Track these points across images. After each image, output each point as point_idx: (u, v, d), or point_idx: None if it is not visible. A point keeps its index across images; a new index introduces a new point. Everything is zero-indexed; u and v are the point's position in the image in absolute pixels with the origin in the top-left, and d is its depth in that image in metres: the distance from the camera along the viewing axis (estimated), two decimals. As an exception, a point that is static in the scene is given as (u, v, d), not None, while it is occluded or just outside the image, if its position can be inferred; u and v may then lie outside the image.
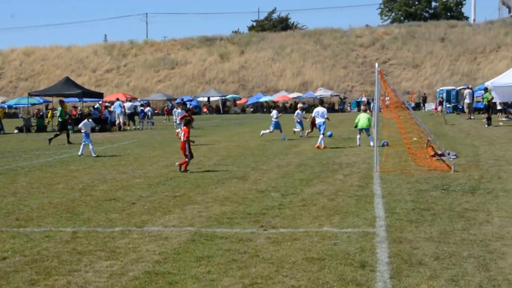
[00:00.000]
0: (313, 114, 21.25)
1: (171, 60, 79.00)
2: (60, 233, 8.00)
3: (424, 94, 61.58)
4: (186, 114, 19.07)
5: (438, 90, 56.19)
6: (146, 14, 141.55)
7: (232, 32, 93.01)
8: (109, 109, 38.04)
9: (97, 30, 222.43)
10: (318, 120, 19.75)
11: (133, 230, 8.04)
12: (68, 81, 37.83)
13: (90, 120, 19.56)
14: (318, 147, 18.78)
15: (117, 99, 41.67)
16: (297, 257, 6.59)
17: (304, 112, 25.86)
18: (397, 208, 9.10)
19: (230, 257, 6.63)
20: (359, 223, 8.16)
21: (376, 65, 13.99)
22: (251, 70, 74.56)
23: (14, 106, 66.32)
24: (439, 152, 14.70)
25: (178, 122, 27.30)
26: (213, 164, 15.52)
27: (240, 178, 12.75)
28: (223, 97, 66.60)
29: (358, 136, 19.62)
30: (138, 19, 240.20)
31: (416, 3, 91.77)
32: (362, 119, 19.24)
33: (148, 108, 39.11)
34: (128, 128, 36.53)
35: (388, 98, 16.19)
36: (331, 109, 63.24)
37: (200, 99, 67.34)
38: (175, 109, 33.62)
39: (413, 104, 56.86)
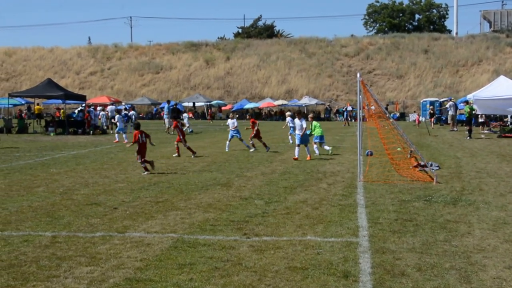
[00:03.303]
0: (288, 124, 22.86)
1: (156, 64, 78.69)
2: (40, 237, 7.87)
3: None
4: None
5: (421, 101, 56.68)
6: (131, 17, 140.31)
7: (218, 38, 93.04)
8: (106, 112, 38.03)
9: (80, 33, 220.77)
10: (297, 132, 18.54)
11: (115, 236, 7.94)
12: (50, 83, 37.42)
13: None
14: (296, 159, 17.83)
15: (113, 104, 41.68)
16: (280, 266, 6.55)
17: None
18: (380, 218, 9.12)
19: (212, 264, 6.57)
20: (342, 233, 8.15)
21: (358, 75, 14.05)
22: (236, 76, 74.57)
23: (-5, 106, 65.47)
24: (422, 163, 14.79)
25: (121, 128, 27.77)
26: (197, 170, 15.43)
27: (224, 185, 12.69)
28: (208, 103, 66.47)
29: (315, 146, 19.62)
30: (122, 22, 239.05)
31: (400, 15, 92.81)
32: (317, 127, 20.13)
33: (132, 112, 38.86)
34: (111, 131, 36.24)
35: (374, 108, 16.25)
36: (317, 118, 63.61)
37: (185, 104, 67.12)
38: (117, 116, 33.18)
39: (398, 114, 57.29)
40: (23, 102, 56.26)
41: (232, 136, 21.52)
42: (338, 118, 59.47)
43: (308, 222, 8.82)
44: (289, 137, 24.95)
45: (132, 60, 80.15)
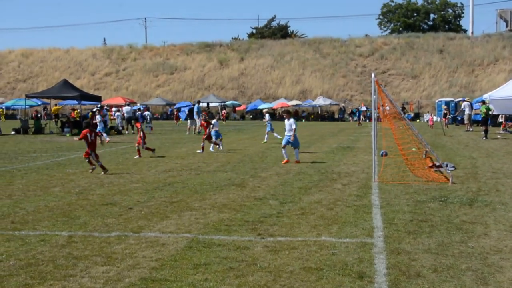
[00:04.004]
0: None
1: (170, 65, 79.02)
2: (56, 237, 7.94)
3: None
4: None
5: (437, 101, 56.28)
6: (145, 18, 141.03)
7: (232, 38, 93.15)
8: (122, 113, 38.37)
9: (96, 34, 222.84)
10: (286, 133, 17.30)
11: (130, 236, 7.99)
12: (66, 84, 37.75)
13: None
14: (287, 162, 16.98)
15: (128, 104, 42.03)
16: (295, 266, 6.55)
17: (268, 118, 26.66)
18: (395, 219, 9.07)
19: (227, 265, 6.59)
20: (357, 233, 8.12)
21: (373, 75, 13.97)
22: (250, 77, 74.62)
23: (11, 107, 66.25)
24: (437, 164, 14.69)
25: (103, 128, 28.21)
26: (212, 170, 15.47)
27: (238, 185, 12.71)
28: (223, 103, 66.59)
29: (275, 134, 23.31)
30: (137, 23, 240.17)
31: (415, 14, 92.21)
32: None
33: (147, 112, 39.06)
34: (126, 132, 36.49)
35: (388, 108, 16.17)
36: (330, 118, 63.39)
37: (200, 104, 67.30)
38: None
39: (412, 115, 56.92)
40: (39, 103, 56.84)
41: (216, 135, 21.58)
42: (352, 119, 59.17)
43: (323, 223, 8.81)
44: (266, 135, 26.17)
45: (147, 61, 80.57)
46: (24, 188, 12.43)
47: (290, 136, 17.06)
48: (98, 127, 27.44)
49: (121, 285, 5.89)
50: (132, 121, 36.39)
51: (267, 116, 26.58)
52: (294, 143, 17.17)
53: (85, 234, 8.11)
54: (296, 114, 64.86)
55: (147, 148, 19.39)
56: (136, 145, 19.68)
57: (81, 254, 7.06)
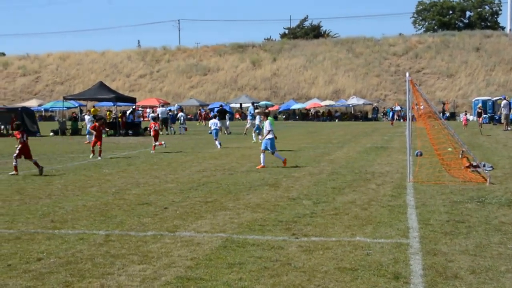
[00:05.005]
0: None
1: (203, 66, 79.63)
2: (94, 235, 8.10)
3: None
4: (97, 124, 20.51)
5: (473, 100, 55.25)
6: (179, 20, 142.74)
7: (264, 39, 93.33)
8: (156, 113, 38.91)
9: (130, 36, 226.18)
10: (265, 137, 16.31)
11: (165, 235, 8.09)
12: (102, 86, 38.46)
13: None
14: (261, 167, 15.92)
15: (162, 105, 42.57)
16: (329, 266, 6.53)
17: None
18: (431, 219, 8.95)
19: (261, 264, 6.62)
20: (392, 234, 8.05)
21: (407, 74, 13.81)
22: (283, 77, 74.59)
23: (50, 109, 67.80)
24: (474, 164, 14.42)
25: (88, 130, 27.78)
26: (245, 171, 15.53)
27: (272, 185, 12.73)
28: (255, 104, 66.72)
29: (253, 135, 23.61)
30: (170, 25, 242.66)
31: (450, 12, 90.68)
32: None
33: (181, 113, 39.45)
34: (161, 133, 36.90)
35: (423, 107, 15.95)
36: (364, 117, 62.82)
37: (233, 105, 67.63)
38: (86, 116, 33.60)
39: (447, 114, 55.99)
40: (76, 105, 58.00)
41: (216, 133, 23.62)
42: (387, 118, 58.51)
43: (357, 223, 8.76)
44: (253, 134, 26.52)
45: (180, 62, 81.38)
46: (63, 188, 12.72)
47: (268, 139, 16.08)
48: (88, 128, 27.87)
49: (158, 284, 5.98)
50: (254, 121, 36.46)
51: (257, 119, 25.56)
52: (270, 147, 16.06)
53: (121, 233, 8.26)
54: (329, 114, 64.61)
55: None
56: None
57: (118, 252, 7.19)
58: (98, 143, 19.60)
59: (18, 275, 6.28)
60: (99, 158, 19.15)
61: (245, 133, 32.63)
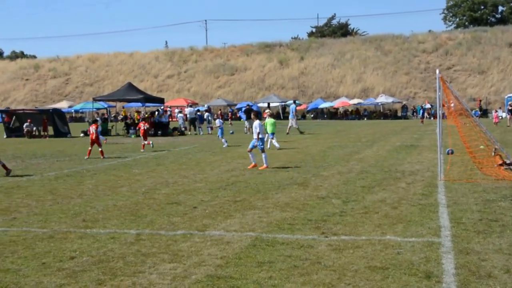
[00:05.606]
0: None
1: (230, 66, 79.83)
2: (125, 235, 8.20)
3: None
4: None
5: (506, 97, 54.13)
6: (206, 21, 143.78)
7: (292, 38, 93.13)
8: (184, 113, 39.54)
9: (158, 37, 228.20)
10: (255, 136, 16.19)
11: (195, 234, 8.14)
12: (130, 87, 38.89)
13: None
14: (253, 166, 15.92)
15: (190, 106, 42.99)
16: (359, 265, 6.48)
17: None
18: (463, 218, 8.81)
19: (291, 263, 6.60)
20: (423, 233, 7.94)
21: (437, 71, 13.60)
22: (311, 76, 74.29)
23: (80, 110, 68.86)
24: (508, 161, 14.13)
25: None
26: (273, 170, 15.52)
27: (300, 184, 12.70)
28: (283, 103, 66.62)
29: (274, 141, 22.10)
30: (197, 25, 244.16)
31: (482, 7, 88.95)
32: (270, 125, 21.68)
33: (207, 114, 39.63)
34: (189, 133, 37.17)
35: (453, 105, 15.70)
36: (393, 116, 62.15)
37: (260, 104, 67.64)
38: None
39: (479, 112, 54.97)
40: (105, 106, 58.78)
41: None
42: (416, 117, 57.79)
43: (387, 222, 8.67)
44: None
45: (208, 63, 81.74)
46: (94, 188, 12.91)
47: (255, 140, 16.05)
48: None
49: (188, 282, 6.02)
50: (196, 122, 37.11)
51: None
52: (259, 146, 16.06)
53: (152, 232, 8.34)
54: (357, 113, 64.11)
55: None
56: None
57: (149, 251, 7.26)
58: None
59: (52, 273, 6.39)
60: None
61: (288, 133, 32.43)
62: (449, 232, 7.92)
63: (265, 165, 15.86)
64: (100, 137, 27.90)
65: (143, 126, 23.87)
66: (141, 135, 23.81)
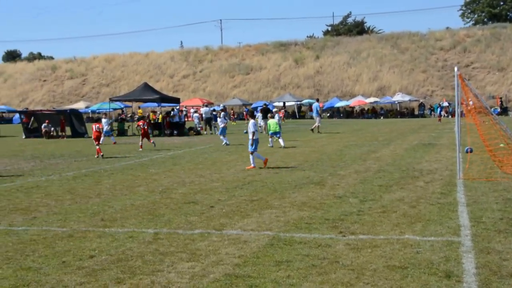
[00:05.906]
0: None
1: (246, 65, 79.87)
2: (143, 234, 8.24)
3: None
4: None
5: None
6: (221, 20, 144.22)
7: (307, 37, 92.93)
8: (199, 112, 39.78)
9: (173, 37, 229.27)
10: (250, 136, 16.01)
11: (213, 233, 8.15)
12: (146, 87, 39.06)
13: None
14: (251, 168, 15.81)
15: (206, 105, 43.14)
16: (378, 264, 6.44)
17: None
18: (483, 217, 8.71)
19: (309, 262, 6.58)
20: (442, 232, 7.87)
21: (456, 69, 13.45)
22: (326, 75, 74.06)
23: (97, 111, 69.40)
24: (528, 159, 13.94)
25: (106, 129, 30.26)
26: (290, 169, 15.50)
27: (317, 183, 12.65)
28: (299, 102, 66.51)
29: (270, 139, 22.84)
30: (212, 25, 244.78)
31: (501, 3, 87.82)
32: (272, 125, 22.32)
33: (222, 113, 39.64)
34: (205, 132, 37.25)
35: (472, 103, 15.52)
36: (410, 114, 61.68)
37: (276, 104, 67.60)
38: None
39: (499, 109, 54.36)
40: (121, 106, 59.17)
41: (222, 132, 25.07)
42: (435, 115, 57.26)
43: (406, 221, 8.60)
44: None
45: (223, 62, 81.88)
46: (111, 187, 12.99)
47: (251, 140, 15.89)
48: (104, 130, 29.14)
49: (206, 281, 6.03)
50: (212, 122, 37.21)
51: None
52: (253, 147, 15.89)
53: (169, 231, 8.37)
54: (374, 111, 63.74)
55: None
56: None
57: (167, 250, 7.29)
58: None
59: (72, 272, 6.45)
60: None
61: (312, 130, 32.64)
62: (469, 231, 7.84)
63: (252, 165, 15.78)
64: (111, 138, 28.45)
65: (142, 125, 24.09)
66: (141, 135, 24.00)
